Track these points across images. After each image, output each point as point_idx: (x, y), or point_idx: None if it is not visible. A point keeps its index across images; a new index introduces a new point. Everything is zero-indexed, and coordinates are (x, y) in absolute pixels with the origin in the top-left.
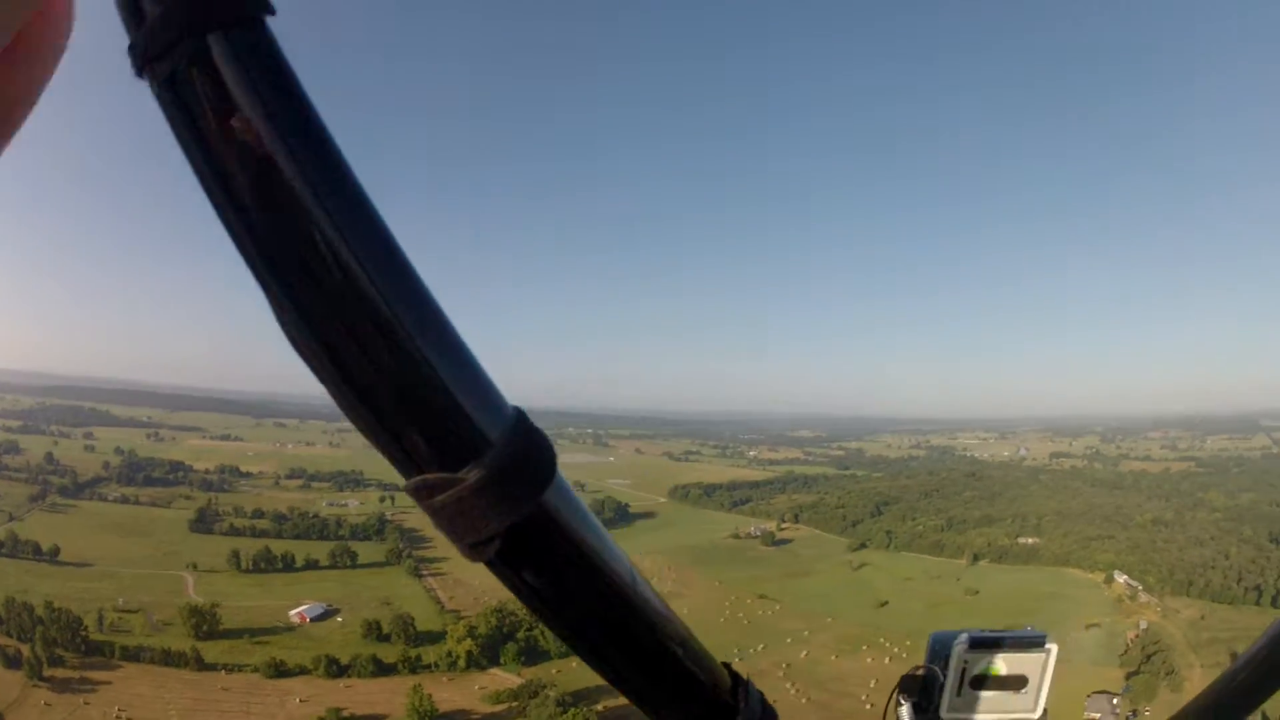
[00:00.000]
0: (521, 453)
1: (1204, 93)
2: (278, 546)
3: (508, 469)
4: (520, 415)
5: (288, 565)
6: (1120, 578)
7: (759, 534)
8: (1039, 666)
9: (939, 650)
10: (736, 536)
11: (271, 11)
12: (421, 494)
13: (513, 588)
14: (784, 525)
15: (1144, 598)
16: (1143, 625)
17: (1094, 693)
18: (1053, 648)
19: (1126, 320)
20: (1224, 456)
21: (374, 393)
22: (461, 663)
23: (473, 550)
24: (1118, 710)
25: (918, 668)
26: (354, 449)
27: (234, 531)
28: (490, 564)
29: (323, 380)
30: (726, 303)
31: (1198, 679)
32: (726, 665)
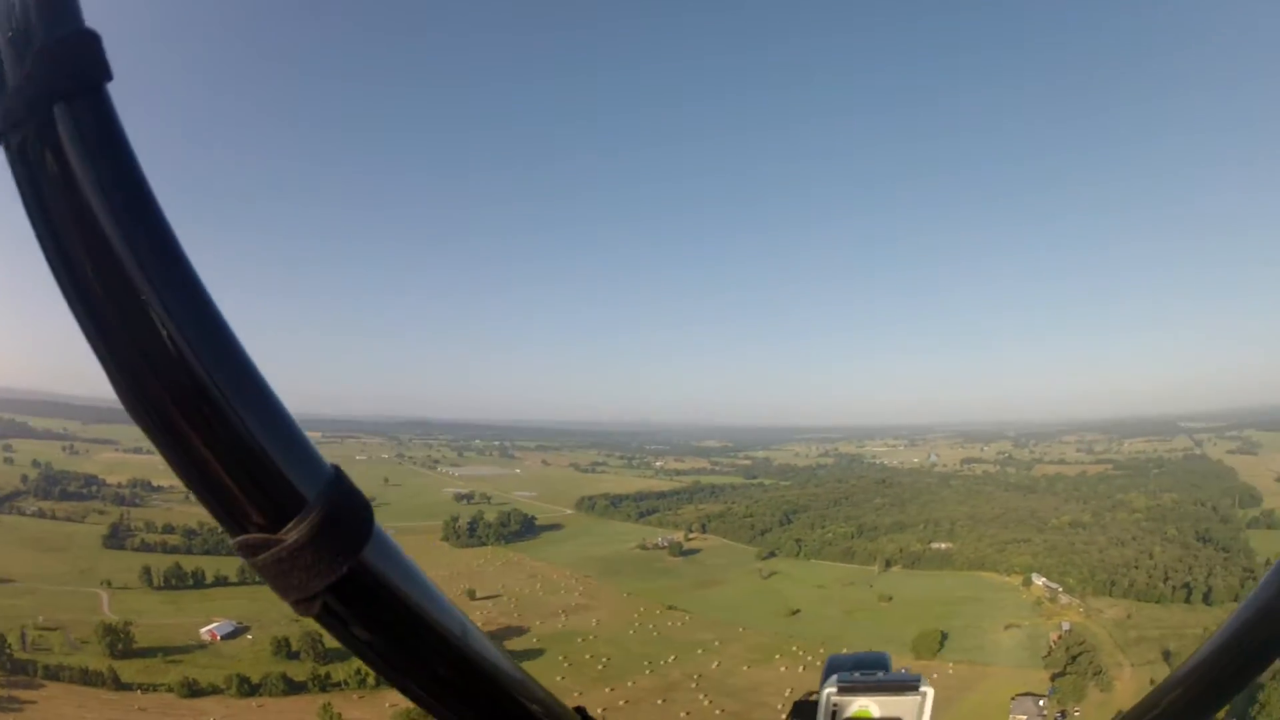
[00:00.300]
0: (339, 511)
1: (1129, 100)
2: (188, 562)
3: (326, 527)
4: (338, 474)
5: (198, 581)
6: (1038, 580)
7: (666, 544)
8: (914, 710)
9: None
10: (644, 547)
11: (110, 77)
12: (246, 552)
13: (344, 643)
14: (692, 535)
15: (1065, 599)
16: (1065, 626)
17: (1018, 695)
18: (928, 690)
19: (1038, 327)
20: (1143, 459)
21: (198, 455)
22: (371, 680)
23: (299, 606)
24: (1044, 712)
25: (811, 694)
26: None
27: (145, 547)
28: (318, 620)
29: (154, 444)
30: (632, 313)
31: (1129, 678)
32: (580, 710)
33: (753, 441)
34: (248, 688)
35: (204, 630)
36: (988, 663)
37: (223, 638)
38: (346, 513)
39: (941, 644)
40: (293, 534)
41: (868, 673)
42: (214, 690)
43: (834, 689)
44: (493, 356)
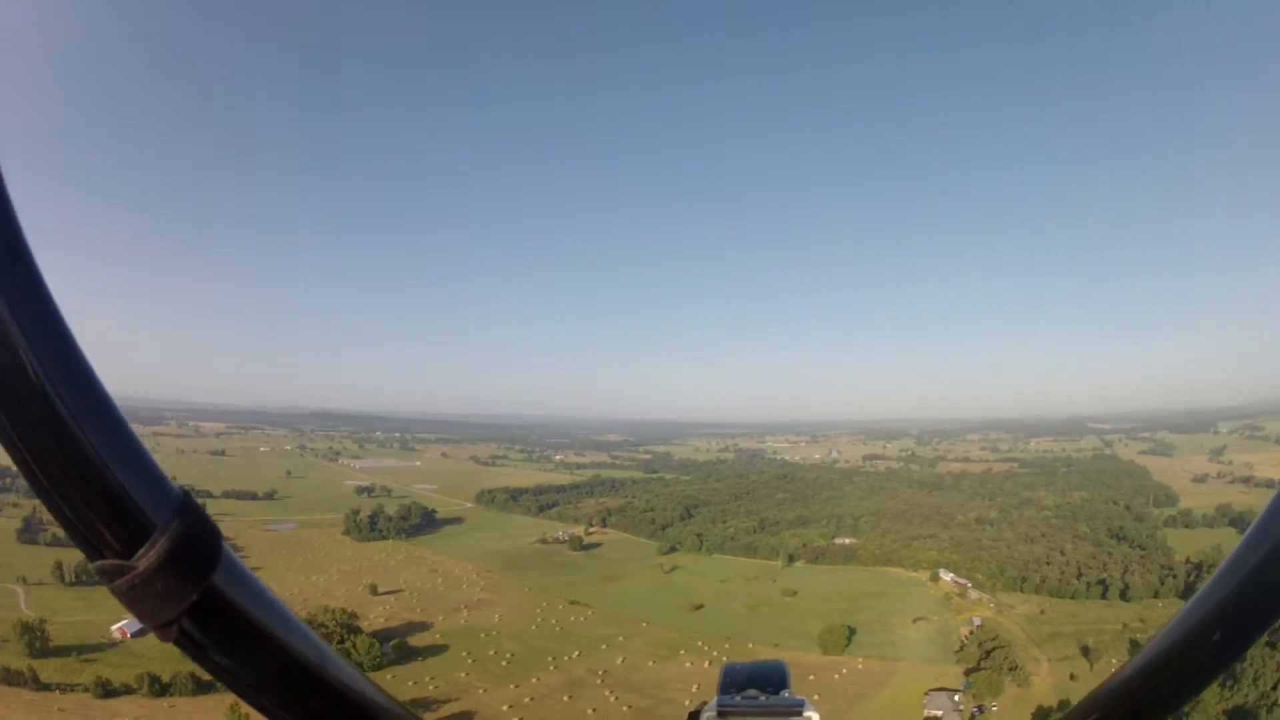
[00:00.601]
0: (187, 537)
1: (1032, 100)
2: None
3: (174, 553)
4: (186, 498)
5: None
6: (946, 575)
7: (567, 539)
8: None
9: (729, 683)
10: (544, 541)
11: None
12: (104, 578)
13: (207, 670)
14: (592, 529)
15: (974, 595)
16: (976, 621)
17: (931, 690)
18: (813, 715)
19: (942, 327)
20: (1050, 457)
21: (52, 481)
22: None
23: (159, 633)
24: (960, 707)
25: (704, 703)
26: (169, 454)
27: (57, 542)
28: (178, 645)
29: (18, 469)
30: (535, 308)
31: (1046, 673)
32: None
33: (653, 436)
34: (158, 687)
35: (115, 627)
36: (898, 657)
37: (132, 635)
38: (195, 538)
39: (849, 639)
40: (144, 560)
41: (749, 696)
42: (126, 690)
43: (713, 713)
44: (398, 349)
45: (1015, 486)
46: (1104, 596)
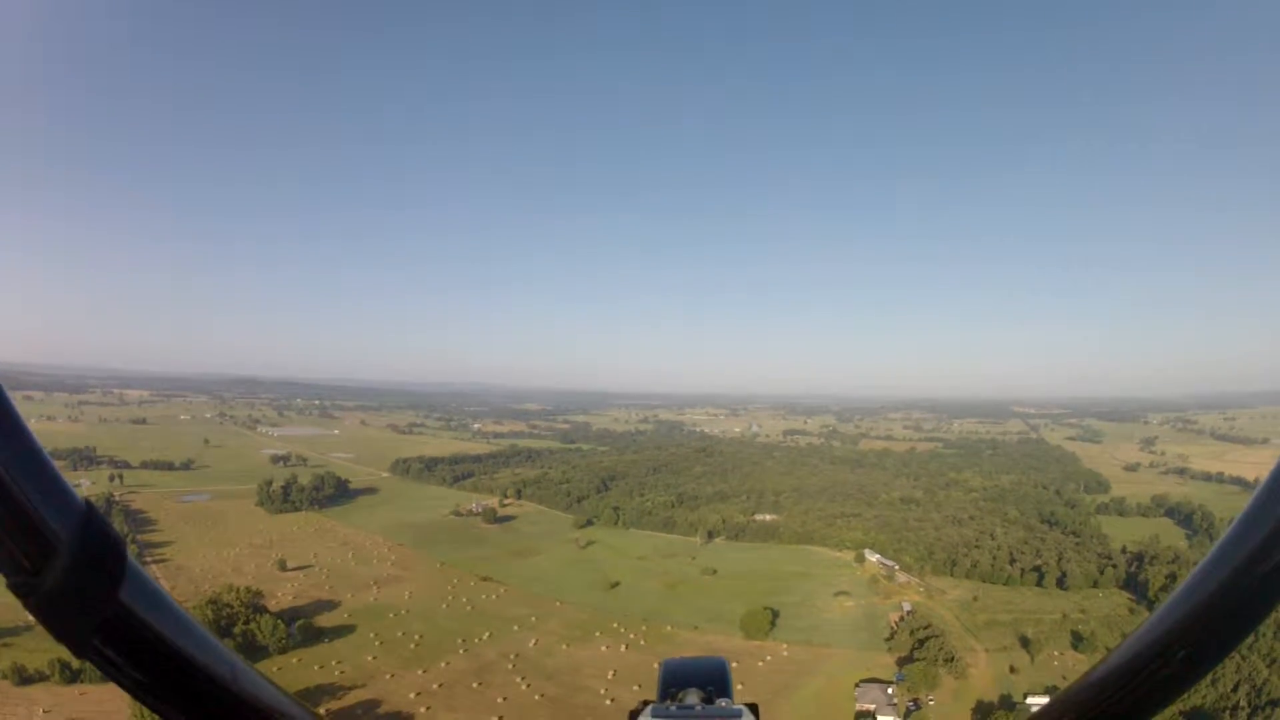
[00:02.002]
0: (89, 554)
1: (979, 78)
2: None
3: (79, 569)
4: (89, 510)
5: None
6: (872, 556)
7: (480, 510)
8: None
9: (668, 682)
10: (458, 513)
11: None
12: (17, 594)
13: (121, 685)
14: (507, 501)
15: (902, 577)
16: (906, 606)
17: (863, 681)
18: None
19: (866, 306)
20: (974, 439)
21: None
22: None
23: (75, 650)
24: (894, 700)
25: (647, 702)
26: (90, 423)
27: None
28: (94, 664)
29: None
30: (458, 274)
31: (984, 664)
32: None
33: (572, 405)
34: (69, 674)
35: None
36: (825, 643)
37: None
38: (98, 553)
39: (773, 623)
40: (51, 575)
41: (684, 706)
42: (40, 676)
43: (648, 718)
44: (322, 314)
45: (940, 467)
46: (1039, 584)
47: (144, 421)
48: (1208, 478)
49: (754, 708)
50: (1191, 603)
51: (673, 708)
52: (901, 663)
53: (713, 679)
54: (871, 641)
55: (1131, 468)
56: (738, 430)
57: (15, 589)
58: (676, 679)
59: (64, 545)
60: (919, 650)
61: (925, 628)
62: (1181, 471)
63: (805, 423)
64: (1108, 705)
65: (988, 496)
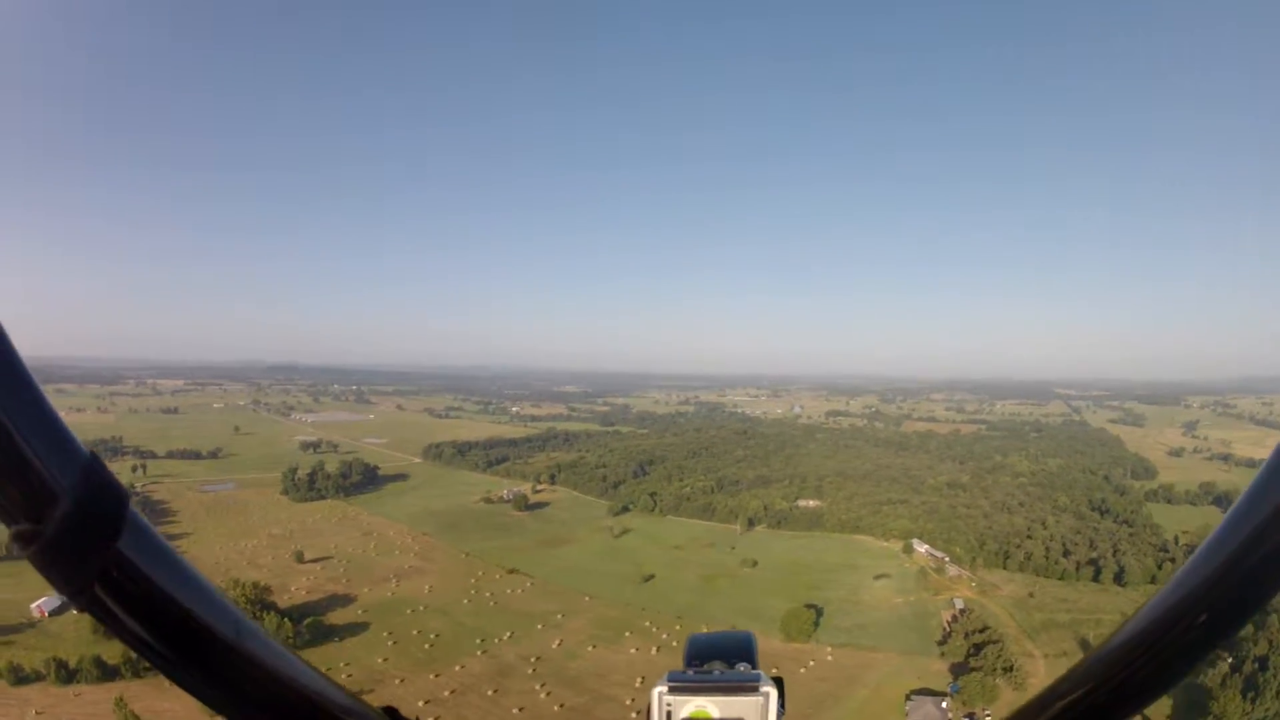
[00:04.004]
0: (91, 501)
1: (1012, 68)
2: None
3: (80, 518)
4: (93, 460)
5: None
6: (921, 547)
7: (511, 497)
8: (757, 711)
9: (693, 655)
10: (488, 500)
11: None
12: (17, 544)
13: (120, 639)
14: (540, 487)
15: (953, 570)
16: (958, 604)
17: (914, 692)
18: (770, 690)
19: (910, 284)
20: (1018, 421)
21: None
22: None
23: (73, 600)
24: (949, 715)
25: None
26: (120, 414)
27: None
28: (91, 614)
29: None
30: (498, 256)
31: (1044, 673)
32: (390, 709)
33: (613, 387)
34: (65, 673)
35: (34, 606)
36: (873, 646)
37: (50, 614)
38: (99, 503)
39: (816, 623)
40: (51, 525)
41: (702, 671)
42: (37, 676)
43: (664, 688)
44: (363, 300)
45: (985, 450)
46: (1096, 579)
47: (175, 411)
48: (1251, 464)
49: (778, 681)
50: (1212, 565)
51: (690, 672)
52: (956, 671)
53: (738, 652)
54: (922, 645)
55: (1175, 452)
56: (779, 411)
57: (15, 537)
58: (702, 652)
59: (65, 494)
60: (974, 657)
61: (981, 631)
62: (1225, 457)
63: (848, 403)
64: (1133, 671)
65: (1035, 482)
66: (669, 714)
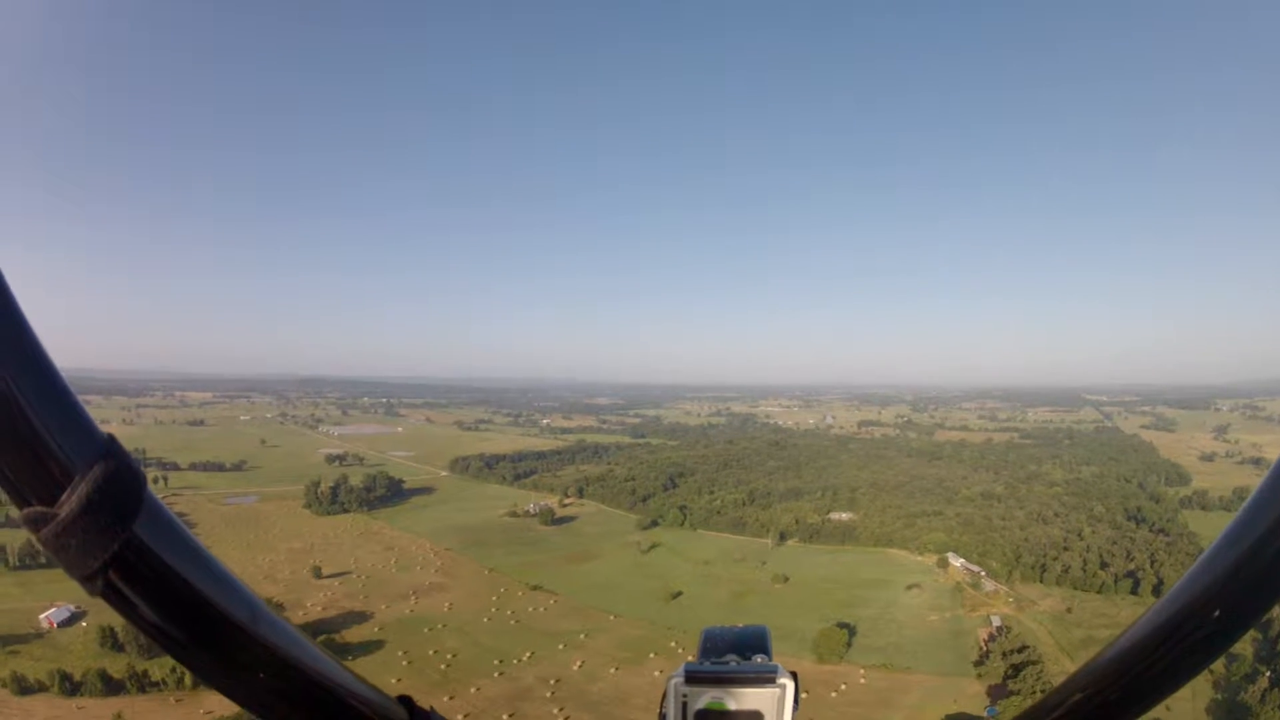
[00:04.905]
0: (108, 483)
1: (1035, 70)
2: None
3: (96, 501)
4: (110, 443)
5: (51, 560)
6: (956, 561)
7: (538, 511)
8: (774, 703)
9: (708, 649)
10: (514, 514)
11: None
12: (30, 527)
13: (133, 624)
14: (567, 501)
15: (989, 585)
16: (995, 622)
17: (950, 717)
18: (786, 682)
19: (938, 294)
20: (1050, 428)
21: None
22: (189, 680)
23: (85, 585)
24: None
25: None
26: (145, 426)
27: (9, 523)
28: (105, 599)
29: None
30: (526, 269)
31: None
32: (405, 699)
33: (644, 399)
34: (69, 686)
35: (42, 616)
36: (907, 668)
37: (59, 625)
38: (116, 484)
39: (849, 643)
40: (65, 507)
41: (719, 661)
42: (41, 688)
43: (680, 678)
44: (392, 313)
45: (1019, 458)
46: (1135, 591)
47: (201, 423)
48: None
49: (794, 675)
50: (1226, 560)
51: (707, 663)
52: (993, 693)
53: (753, 644)
54: (958, 665)
55: (1208, 457)
56: (811, 422)
57: (30, 520)
58: (717, 645)
59: (82, 475)
60: (1013, 679)
61: (1020, 650)
62: (1257, 461)
63: (879, 413)
64: (1145, 669)
65: (1070, 491)
66: (685, 705)
